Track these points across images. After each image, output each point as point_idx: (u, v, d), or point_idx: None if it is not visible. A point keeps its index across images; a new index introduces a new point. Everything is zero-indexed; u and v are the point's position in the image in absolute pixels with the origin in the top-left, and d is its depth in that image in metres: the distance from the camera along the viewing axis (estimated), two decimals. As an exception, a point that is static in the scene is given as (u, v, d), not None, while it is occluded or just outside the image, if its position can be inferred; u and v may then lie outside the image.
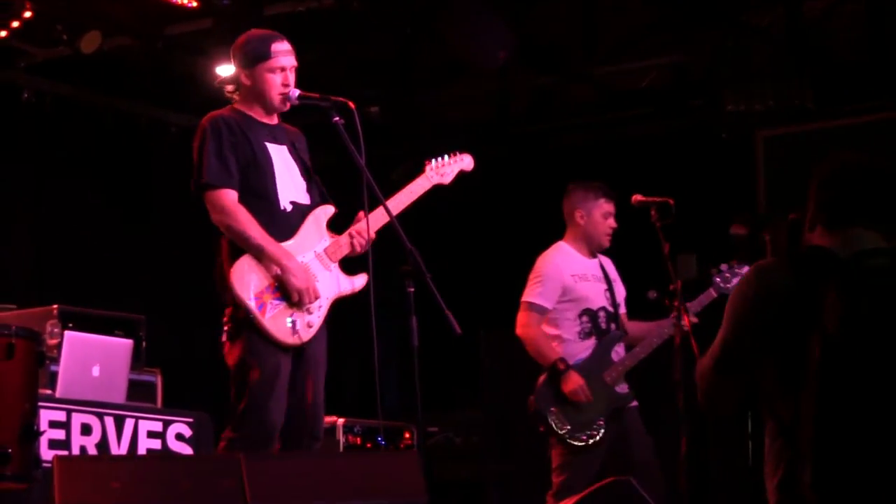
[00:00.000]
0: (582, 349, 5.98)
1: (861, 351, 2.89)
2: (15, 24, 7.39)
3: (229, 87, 4.81)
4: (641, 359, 5.99)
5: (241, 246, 4.56)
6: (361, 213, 4.75)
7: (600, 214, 6.10)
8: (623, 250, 6.36)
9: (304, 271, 4.58)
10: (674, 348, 5.48)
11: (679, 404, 5.42)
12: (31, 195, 8.34)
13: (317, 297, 4.62)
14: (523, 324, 6.00)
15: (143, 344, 6.85)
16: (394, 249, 4.58)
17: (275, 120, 4.82)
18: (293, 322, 4.55)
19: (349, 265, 4.87)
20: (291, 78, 4.73)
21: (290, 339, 4.56)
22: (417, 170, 5.01)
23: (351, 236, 4.73)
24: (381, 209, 4.64)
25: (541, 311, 6.00)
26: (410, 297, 4.39)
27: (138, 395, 6.42)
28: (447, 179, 5.01)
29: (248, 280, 4.52)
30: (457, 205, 9.68)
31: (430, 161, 5.00)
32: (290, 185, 4.70)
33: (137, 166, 8.80)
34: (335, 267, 4.75)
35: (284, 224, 4.64)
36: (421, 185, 4.91)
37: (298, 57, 4.82)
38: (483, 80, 8.81)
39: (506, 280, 8.98)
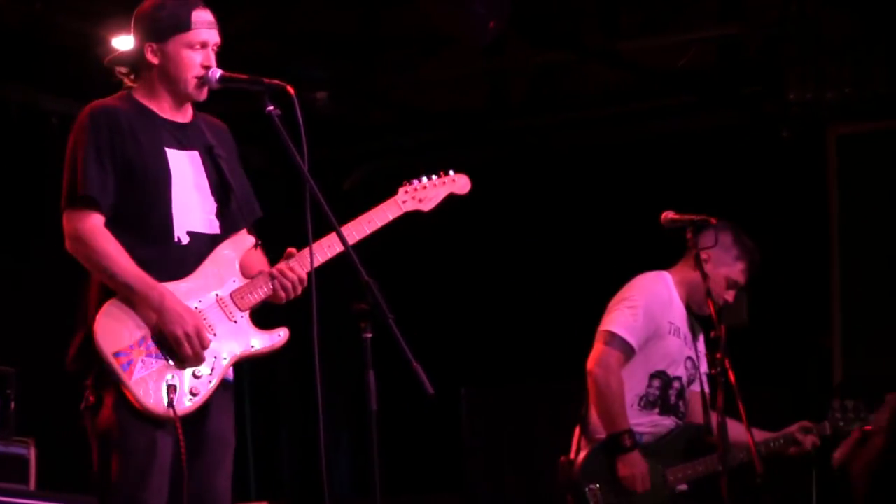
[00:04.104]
0: (637, 422, 6.01)
1: None
2: None
3: (122, 69, 4.80)
4: (717, 471, 5.84)
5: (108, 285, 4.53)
6: (291, 250, 4.73)
7: (726, 277, 6.14)
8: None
9: (190, 314, 4.55)
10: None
11: (723, 495, 5.51)
12: None
13: (201, 349, 4.55)
14: (601, 361, 5.96)
15: (12, 405, 6.86)
16: (346, 282, 4.55)
17: (187, 115, 4.82)
18: (170, 388, 4.53)
19: (269, 313, 4.78)
20: (213, 58, 4.75)
21: (160, 410, 4.51)
22: (383, 186, 4.89)
23: (272, 277, 4.68)
24: (326, 239, 4.61)
25: (627, 350, 6.00)
26: (367, 344, 4.37)
27: (5, 473, 6.48)
28: (427, 206, 4.96)
29: (113, 330, 4.51)
30: (432, 225, 9.73)
31: (407, 183, 4.94)
32: (193, 207, 4.69)
33: (5, 170, 8.79)
34: (244, 317, 4.70)
35: (177, 261, 4.62)
36: (386, 212, 4.83)
37: (221, 25, 4.81)
38: (469, 57, 8.83)
39: (495, 325, 8.92)
